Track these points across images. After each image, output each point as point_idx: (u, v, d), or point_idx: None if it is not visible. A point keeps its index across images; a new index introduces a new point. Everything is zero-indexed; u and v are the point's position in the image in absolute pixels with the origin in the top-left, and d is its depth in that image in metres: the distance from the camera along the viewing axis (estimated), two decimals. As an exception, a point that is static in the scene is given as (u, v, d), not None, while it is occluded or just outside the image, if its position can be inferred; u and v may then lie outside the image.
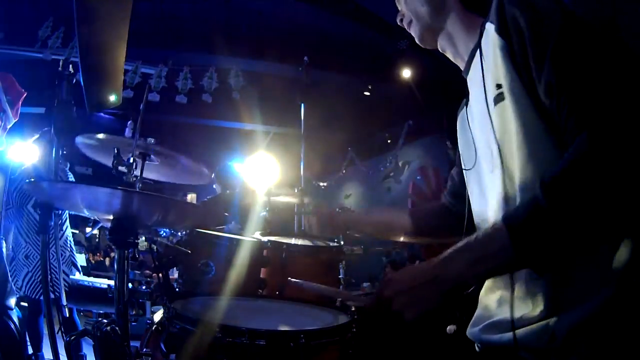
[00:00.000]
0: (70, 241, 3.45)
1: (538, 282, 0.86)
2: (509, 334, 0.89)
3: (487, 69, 0.94)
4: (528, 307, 0.89)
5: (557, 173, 0.76)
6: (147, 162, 1.79)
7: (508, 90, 0.88)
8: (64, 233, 3.42)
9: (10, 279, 2.54)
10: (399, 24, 1.17)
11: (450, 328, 1.48)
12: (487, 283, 1.03)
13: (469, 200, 1.12)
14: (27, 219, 3.34)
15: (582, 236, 0.77)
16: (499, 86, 0.90)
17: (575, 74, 0.78)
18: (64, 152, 2.75)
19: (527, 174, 0.86)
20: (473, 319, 1.03)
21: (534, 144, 0.85)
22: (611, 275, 0.80)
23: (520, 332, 0.88)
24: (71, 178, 3.48)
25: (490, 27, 0.92)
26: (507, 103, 0.88)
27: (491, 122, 0.93)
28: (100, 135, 1.72)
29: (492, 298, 0.99)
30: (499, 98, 0.91)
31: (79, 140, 1.72)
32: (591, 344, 0.80)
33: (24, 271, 3.12)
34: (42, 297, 2.52)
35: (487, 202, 1.00)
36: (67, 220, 3.44)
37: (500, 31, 0.88)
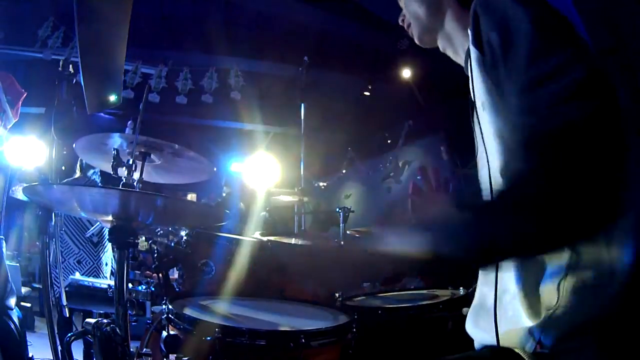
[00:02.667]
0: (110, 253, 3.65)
1: (522, 287, 0.86)
2: (491, 335, 0.89)
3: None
4: (513, 311, 0.89)
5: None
6: (147, 162, 1.78)
7: (481, 100, 0.90)
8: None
9: (10, 279, 2.54)
10: (400, 24, 1.17)
11: (465, 310, 1.47)
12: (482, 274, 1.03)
13: None
14: (79, 225, 3.51)
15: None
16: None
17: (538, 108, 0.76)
18: (64, 152, 2.76)
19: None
20: (469, 311, 1.03)
21: (509, 154, 0.86)
22: (601, 292, 0.80)
23: (503, 334, 0.89)
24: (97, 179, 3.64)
25: (469, 35, 0.92)
26: (484, 112, 0.90)
27: (479, 123, 0.94)
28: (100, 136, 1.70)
29: (484, 290, 0.99)
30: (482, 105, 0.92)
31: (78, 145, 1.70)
32: (582, 354, 0.80)
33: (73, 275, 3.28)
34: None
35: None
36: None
37: (475, 43, 0.89)
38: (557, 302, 0.82)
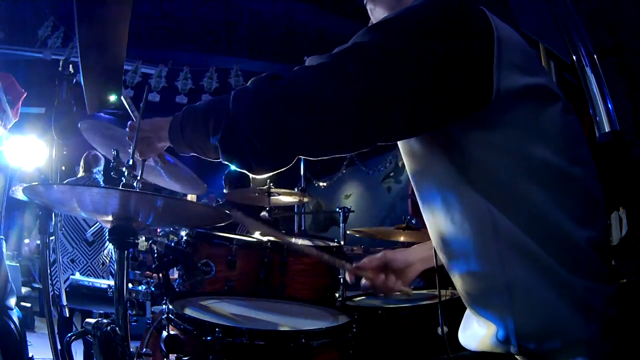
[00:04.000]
0: (111, 251, 3.66)
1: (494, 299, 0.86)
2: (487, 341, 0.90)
3: None
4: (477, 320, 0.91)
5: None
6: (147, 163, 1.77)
7: None
8: (106, 243, 3.58)
9: (10, 279, 2.54)
10: None
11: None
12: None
13: None
14: (74, 224, 3.52)
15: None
16: None
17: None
18: (64, 152, 2.77)
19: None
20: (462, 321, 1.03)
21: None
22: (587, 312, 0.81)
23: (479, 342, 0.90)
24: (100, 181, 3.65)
25: None
26: None
27: None
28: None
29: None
30: None
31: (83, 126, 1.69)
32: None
33: (67, 274, 3.28)
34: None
35: None
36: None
37: None
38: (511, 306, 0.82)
